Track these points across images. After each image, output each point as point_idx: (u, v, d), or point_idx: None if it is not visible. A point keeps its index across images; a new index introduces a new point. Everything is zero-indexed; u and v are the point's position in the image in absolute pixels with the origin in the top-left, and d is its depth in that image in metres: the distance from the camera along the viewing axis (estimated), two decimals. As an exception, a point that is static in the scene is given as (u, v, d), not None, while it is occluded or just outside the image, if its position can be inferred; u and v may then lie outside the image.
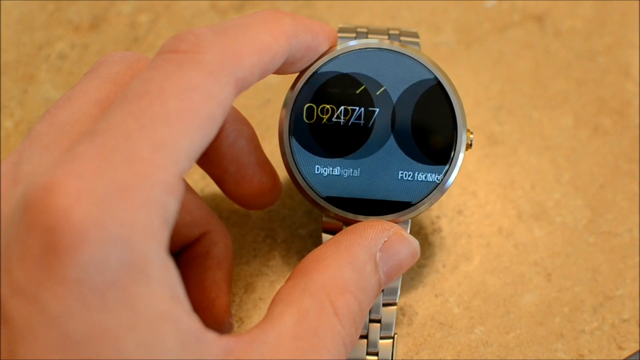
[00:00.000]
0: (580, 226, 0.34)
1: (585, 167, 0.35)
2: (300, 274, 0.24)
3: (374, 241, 0.25)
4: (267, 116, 0.36)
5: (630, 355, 0.30)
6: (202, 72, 0.21)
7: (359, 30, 0.29)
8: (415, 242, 0.26)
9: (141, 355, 0.18)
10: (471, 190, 0.34)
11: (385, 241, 0.25)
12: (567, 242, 0.33)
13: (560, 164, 0.35)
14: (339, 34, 0.28)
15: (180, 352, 0.19)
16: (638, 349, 0.31)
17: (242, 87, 0.22)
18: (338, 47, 0.28)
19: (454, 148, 0.27)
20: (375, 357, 0.28)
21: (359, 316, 0.24)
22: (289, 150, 0.28)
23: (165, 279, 0.19)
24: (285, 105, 0.28)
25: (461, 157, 0.27)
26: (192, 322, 0.20)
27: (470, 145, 0.28)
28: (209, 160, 0.29)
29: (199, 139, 0.21)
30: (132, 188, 0.19)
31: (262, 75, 0.24)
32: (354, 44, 0.28)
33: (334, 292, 0.23)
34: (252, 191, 0.29)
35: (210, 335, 0.20)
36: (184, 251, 0.29)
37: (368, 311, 0.25)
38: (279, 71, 0.25)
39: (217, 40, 0.22)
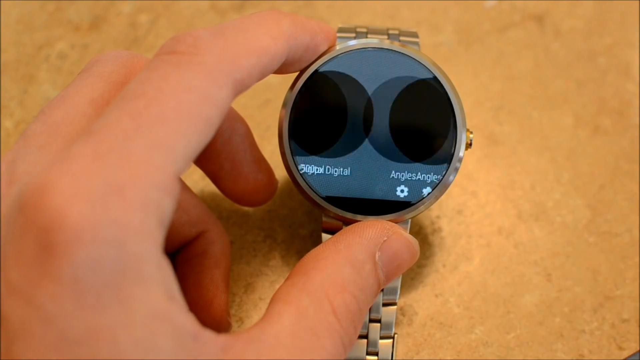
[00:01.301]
0: (580, 226, 0.34)
1: (585, 167, 0.35)
2: (299, 273, 0.24)
3: (373, 241, 0.25)
4: (267, 116, 0.36)
5: (631, 355, 0.30)
6: (200, 74, 0.21)
7: (358, 30, 0.29)
8: (414, 242, 0.26)
9: (137, 354, 0.18)
10: (471, 190, 0.34)
11: (384, 241, 0.25)
12: (567, 242, 0.33)
13: (560, 164, 0.35)
14: (339, 34, 0.28)
15: (176, 351, 0.19)
16: (638, 349, 0.31)
17: (240, 88, 0.23)
18: (338, 47, 0.28)
19: (453, 148, 0.27)
20: (375, 357, 0.28)
21: (358, 315, 0.24)
22: (289, 150, 0.28)
23: (160, 279, 0.19)
24: (284, 105, 0.28)
25: (461, 157, 0.28)
26: (188, 321, 0.20)
27: (470, 144, 0.28)
28: (204, 157, 0.29)
29: (196, 140, 0.21)
30: (128, 188, 0.19)
31: (261, 77, 0.24)
32: (353, 43, 0.28)
33: (332, 291, 0.23)
34: (247, 188, 0.29)
35: (208, 334, 0.20)
36: (182, 251, 0.29)
37: (367, 311, 0.25)
38: (278, 71, 0.25)
39: (215, 42, 0.22)
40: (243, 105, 0.36)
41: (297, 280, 0.23)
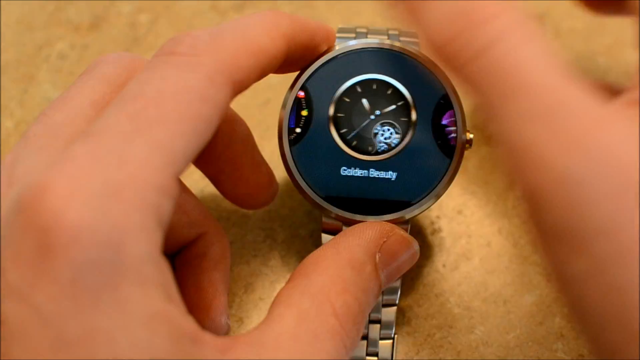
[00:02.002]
0: (580, 226, 0.33)
1: (586, 167, 0.35)
2: (300, 276, 0.24)
3: (373, 242, 0.25)
4: (267, 116, 0.36)
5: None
6: (198, 75, 0.21)
7: (358, 30, 0.29)
8: (414, 243, 0.27)
9: (134, 355, 0.18)
10: (471, 190, 0.34)
11: (384, 242, 0.25)
12: (567, 242, 0.33)
13: (560, 164, 0.35)
14: (339, 35, 0.28)
15: (174, 352, 0.19)
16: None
17: (239, 89, 0.23)
18: (337, 47, 0.28)
19: (453, 148, 0.27)
20: (375, 358, 0.28)
21: (360, 317, 0.24)
22: (288, 151, 0.28)
23: (159, 280, 0.19)
24: (284, 105, 0.28)
25: (461, 157, 0.28)
26: (186, 322, 0.20)
27: (470, 144, 0.28)
28: (204, 160, 0.29)
29: (195, 141, 0.21)
30: (126, 189, 0.19)
31: (260, 77, 0.24)
32: (353, 43, 0.28)
33: (333, 293, 0.23)
34: (248, 191, 0.29)
35: (207, 337, 0.20)
36: (181, 252, 0.29)
37: (369, 312, 0.25)
38: (278, 70, 0.25)
39: (214, 42, 0.22)
40: (243, 105, 0.36)
41: (298, 282, 0.23)
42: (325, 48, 0.27)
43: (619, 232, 0.17)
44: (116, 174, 0.19)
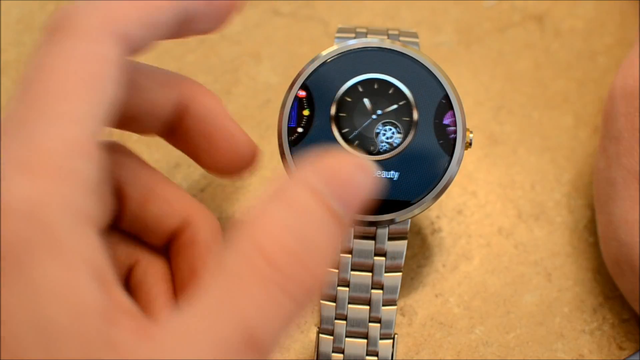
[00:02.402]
0: (580, 226, 0.34)
1: (585, 167, 0.35)
2: (227, 243, 0.20)
3: (297, 171, 0.21)
4: (267, 116, 0.36)
5: (631, 355, 0.30)
6: (76, 38, 0.21)
7: (358, 30, 0.29)
8: (357, 155, 0.21)
9: (33, 338, 0.18)
10: (471, 190, 0.34)
11: (312, 164, 0.21)
12: (567, 242, 0.33)
13: (560, 164, 0.35)
14: (338, 34, 0.28)
15: (75, 330, 0.18)
16: (638, 348, 0.31)
17: (129, 42, 0.22)
18: (337, 47, 0.28)
19: (453, 148, 0.27)
20: (375, 357, 0.28)
21: (308, 254, 0.19)
22: (288, 151, 0.28)
23: (78, 251, 0.19)
24: (283, 105, 0.28)
25: (460, 157, 0.28)
26: (102, 297, 0.18)
27: (470, 144, 0.28)
28: (178, 138, 0.28)
29: (100, 100, 0.21)
30: (33, 162, 0.19)
31: (154, 30, 0.23)
32: (353, 43, 0.28)
33: (259, 236, 0.19)
34: (228, 163, 0.28)
35: (127, 321, 0.19)
36: (172, 243, 0.29)
37: (330, 249, 0.20)
38: (188, 31, 0.25)
39: (87, 5, 0.22)
40: (243, 105, 0.36)
41: (223, 247, 0.20)
42: (231, 5, 0.25)
43: (622, 139, 0.30)
44: (20, 153, 0.19)
